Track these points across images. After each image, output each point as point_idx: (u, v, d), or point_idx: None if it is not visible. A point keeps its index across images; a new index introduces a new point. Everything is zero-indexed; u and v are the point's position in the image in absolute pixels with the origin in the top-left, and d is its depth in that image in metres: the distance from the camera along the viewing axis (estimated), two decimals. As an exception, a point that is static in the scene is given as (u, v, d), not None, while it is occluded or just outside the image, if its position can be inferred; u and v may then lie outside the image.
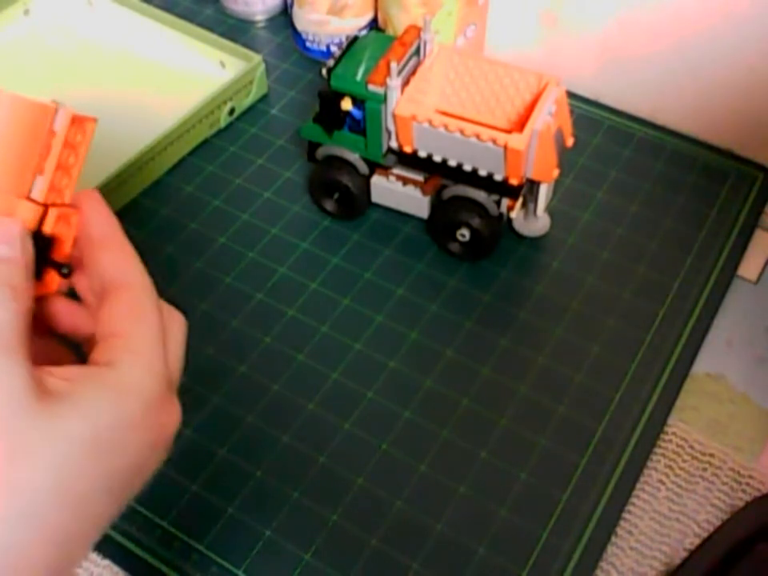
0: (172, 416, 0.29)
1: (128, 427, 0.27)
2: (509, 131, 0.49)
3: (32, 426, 0.25)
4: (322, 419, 0.48)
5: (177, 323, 0.31)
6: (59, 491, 0.26)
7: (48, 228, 0.29)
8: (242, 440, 0.48)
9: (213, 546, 0.44)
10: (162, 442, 0.29)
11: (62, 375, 0.27)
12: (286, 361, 0.51)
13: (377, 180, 0.56)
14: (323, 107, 0.53)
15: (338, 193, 0.56)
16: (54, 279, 0.30)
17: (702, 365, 0.52)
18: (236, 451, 0.47)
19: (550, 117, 0.49)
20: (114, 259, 0.30)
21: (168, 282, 0.54)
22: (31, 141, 0.28)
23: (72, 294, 0.32)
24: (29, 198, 0.28)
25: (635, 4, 0.60)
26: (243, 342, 0.52)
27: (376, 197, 0.57)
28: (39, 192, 0.29)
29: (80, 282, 0.32)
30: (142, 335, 0.28)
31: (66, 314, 0.32)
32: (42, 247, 0.28)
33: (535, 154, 0.49)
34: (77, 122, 0.29)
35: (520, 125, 0.51)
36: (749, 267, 0.57)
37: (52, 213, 0.29)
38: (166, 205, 0.59)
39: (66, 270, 0.29)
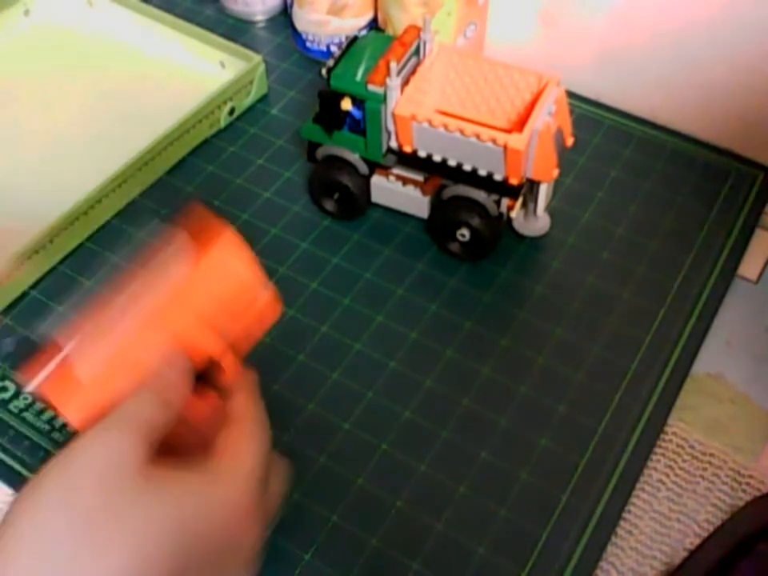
0: (252, 531, 0.34)
1: (212, 519, 0.32)
2: (509, 131, 0.49)
3: (132, 495, 0.30)
4: (322, 419, 0.48)
5: (281, 468, 0.38)
6: (139, 557, 0.29)
7: (224, 365, 0.37)
8: (241, 440, 0.48)
9: (213, 546, 0.44)
10: (237, 545, 0.33)
11: (174, 466, 0.32)
12: (286, 361, 0.51)
13: (377, 180, 0.56)
14: (323, 107, 0.53)
15: (338, 193, 0.56)
16: (212, 398, 0.37)
17: (701, 365, 0.52)
18: (236, 451, 0.47)
19: (550, 117, 0.49)
20: (245, 404, 0.37)
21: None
22: (234, 299, 0.37)
23: None
24: (218, 340, 0.36)
25: (635, 3, 0.60)
26: (243, 342, 0.52)
27: (376, 197, 0.57)
28: (224, 339, 0.36)
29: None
30: (246, 457, 0.35)
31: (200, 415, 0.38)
32: (214, 374, 0.37)
33: (535, 153, 0.49)
34: (273, 303, 0.38)
35: (520, 125, 0.51)
36: (749, 267, 0.57)
37: (229, 358, 0.37)
38: (166, 205, 0.59)
39: (224, 393, 0.37)
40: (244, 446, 0.35)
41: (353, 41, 0.54)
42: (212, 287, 0.36)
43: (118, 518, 0.30)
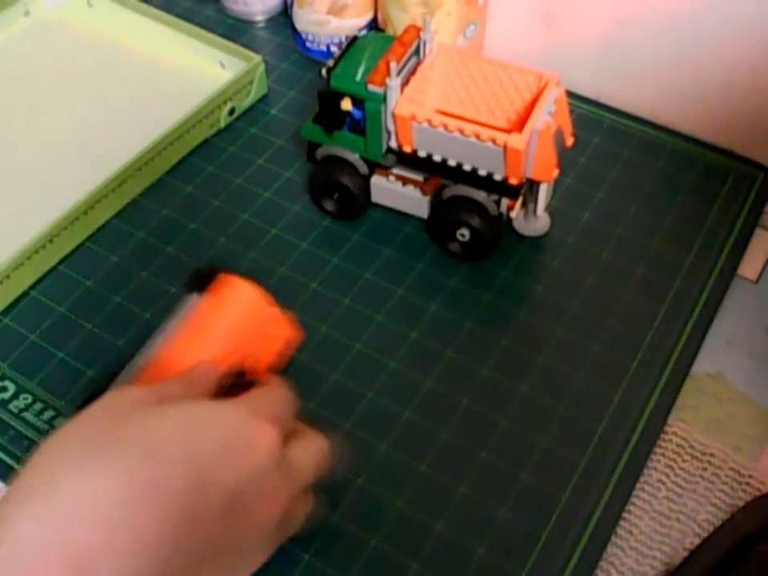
0: (270, 484, 0.35)
1: (219, 434, 0.34)
2: (508, 131, 0.49)
3: (140, 413, 0.34)
4: (322, 419, 0.48)
5: (316, 441, 0.40)
6: (149, 463, 0.31)
7: (251, 371, 0.42)
8: (241, 440, 0.48)
9: (213, 546, 0.44)
10: (253, 493, 0.34)
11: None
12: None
13: (377, 180, 0.56)
14: (323, 107, 0.53)
15: (338, 193, 0.56)
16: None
17: (701, 365, 0.52)
18: (236, 451, 0.47)
19: (550, 116, 0.49)
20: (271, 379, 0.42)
21: (169, 282, 0.54)
22: (257, 326, 0.43)
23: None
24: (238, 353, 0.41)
25: (635, 4, 0.60)
26: (243, 342, 0.52)
27: (376, 197, 0.57)
28: (245, 352, 0.42)
29: None
30: (261, 396, 0.39)
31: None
32: (243, 375, 0.41)
33: (535, 153, 0.49)
34: (289, 322, 0.44)
35: (520, 124, 0.51)
36: (749, 267, 0.57)
37: (256, 367, 0.42)
38: (166, 205, 0.59)
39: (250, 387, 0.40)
40: (260, 392, 0.38)
41: (353, 41, 0.54)
42: (226, 311, 0.41)
43: (126, 429, 0.33)
